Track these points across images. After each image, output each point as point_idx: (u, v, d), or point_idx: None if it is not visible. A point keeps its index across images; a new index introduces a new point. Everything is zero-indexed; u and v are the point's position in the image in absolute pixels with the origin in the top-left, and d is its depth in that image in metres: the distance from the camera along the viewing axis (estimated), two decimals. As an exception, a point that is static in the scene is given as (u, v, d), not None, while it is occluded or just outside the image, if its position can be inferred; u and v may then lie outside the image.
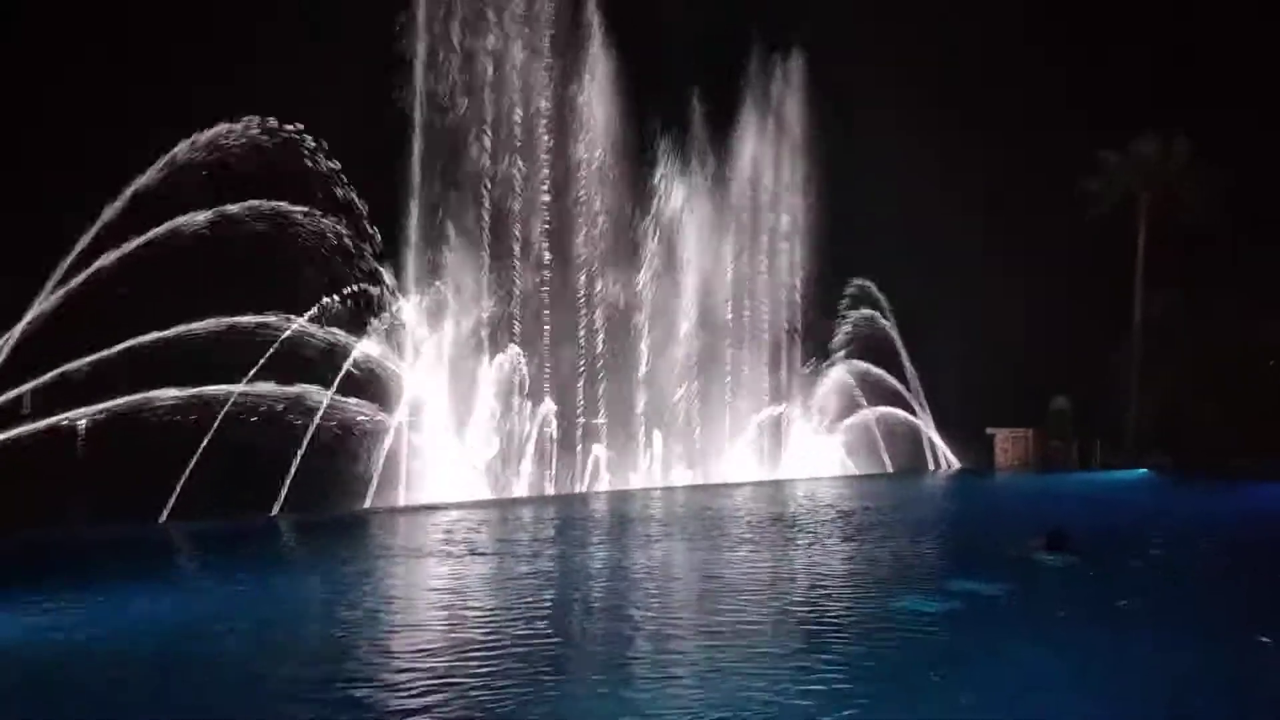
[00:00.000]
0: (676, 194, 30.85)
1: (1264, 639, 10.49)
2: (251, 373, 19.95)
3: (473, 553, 14.38)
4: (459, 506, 20.93)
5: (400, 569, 13.27)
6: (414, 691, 7.14)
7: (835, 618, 9.66)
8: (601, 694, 7.23)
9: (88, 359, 19.51)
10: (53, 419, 19.54)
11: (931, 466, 36.06)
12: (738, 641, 8.59)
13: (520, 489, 24.92)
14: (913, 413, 34.95)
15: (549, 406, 26.11)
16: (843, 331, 35.51)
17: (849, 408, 34.45)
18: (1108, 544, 15.31)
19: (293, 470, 19.43)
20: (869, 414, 34.49)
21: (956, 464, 36.52)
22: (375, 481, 21.07)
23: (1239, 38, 40.14)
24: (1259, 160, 36.39)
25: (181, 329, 19.84)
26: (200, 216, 19.99)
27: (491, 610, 10.26)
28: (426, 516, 19.29)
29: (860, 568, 13.08)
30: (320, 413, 20.41)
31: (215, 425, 19.28)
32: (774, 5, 34.06)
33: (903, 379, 35.16)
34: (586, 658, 8.51)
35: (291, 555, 15.77)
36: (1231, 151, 36.46)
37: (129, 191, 19.64)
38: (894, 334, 35.62)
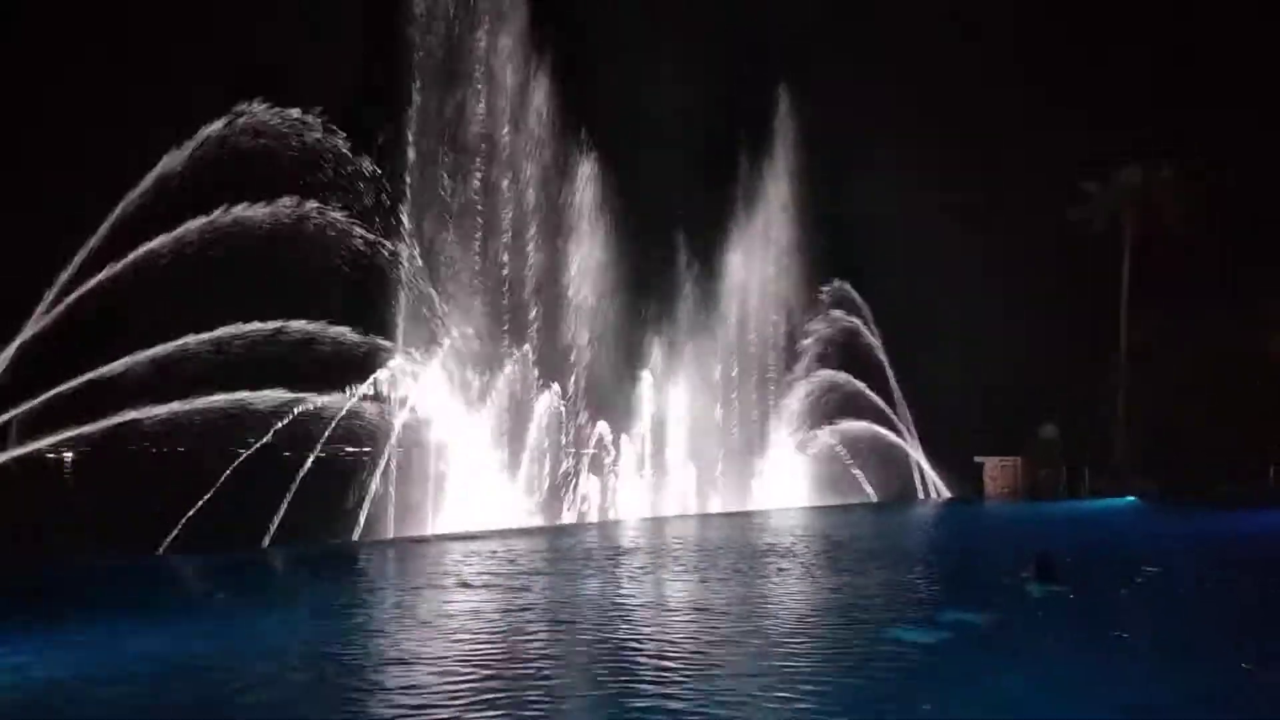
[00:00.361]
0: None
1: (1246, 666, 10.72)
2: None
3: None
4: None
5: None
6: None
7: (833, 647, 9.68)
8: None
9: (116, 363, 19.40)
10: (45, 441, 19.32)
11: (921, 495, 36.06)
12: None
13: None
14: (898, 433, 34.71)
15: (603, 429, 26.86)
16: (815, 337, 34.40)
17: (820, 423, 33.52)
18: (1098, 573, 15.37)
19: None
20: (832, 432, 33.42)
21: (946, 492, 36.55)
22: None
23: (1222, 52, 40.86)
24: (1242, 178, 36.92)
25: (231, 329, 20.01)
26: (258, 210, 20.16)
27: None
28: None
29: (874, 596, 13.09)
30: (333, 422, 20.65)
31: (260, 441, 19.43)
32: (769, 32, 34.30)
33: (887, 398, 34.83)
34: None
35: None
36: (1215, 170, 37.00)
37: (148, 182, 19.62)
38: (874, 340, 34.58)
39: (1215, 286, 37.90)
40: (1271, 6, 39.98)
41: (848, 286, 34.78)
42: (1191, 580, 14.95)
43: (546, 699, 7.98)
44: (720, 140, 34.60)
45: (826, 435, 33.41)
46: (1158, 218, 39.21)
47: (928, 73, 41.27)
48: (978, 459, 37.21)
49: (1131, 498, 33.35)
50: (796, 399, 33.74)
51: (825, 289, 34.40)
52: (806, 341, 34.31)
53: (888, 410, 34.36)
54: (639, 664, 9.02)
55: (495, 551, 17.33)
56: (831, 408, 33.56)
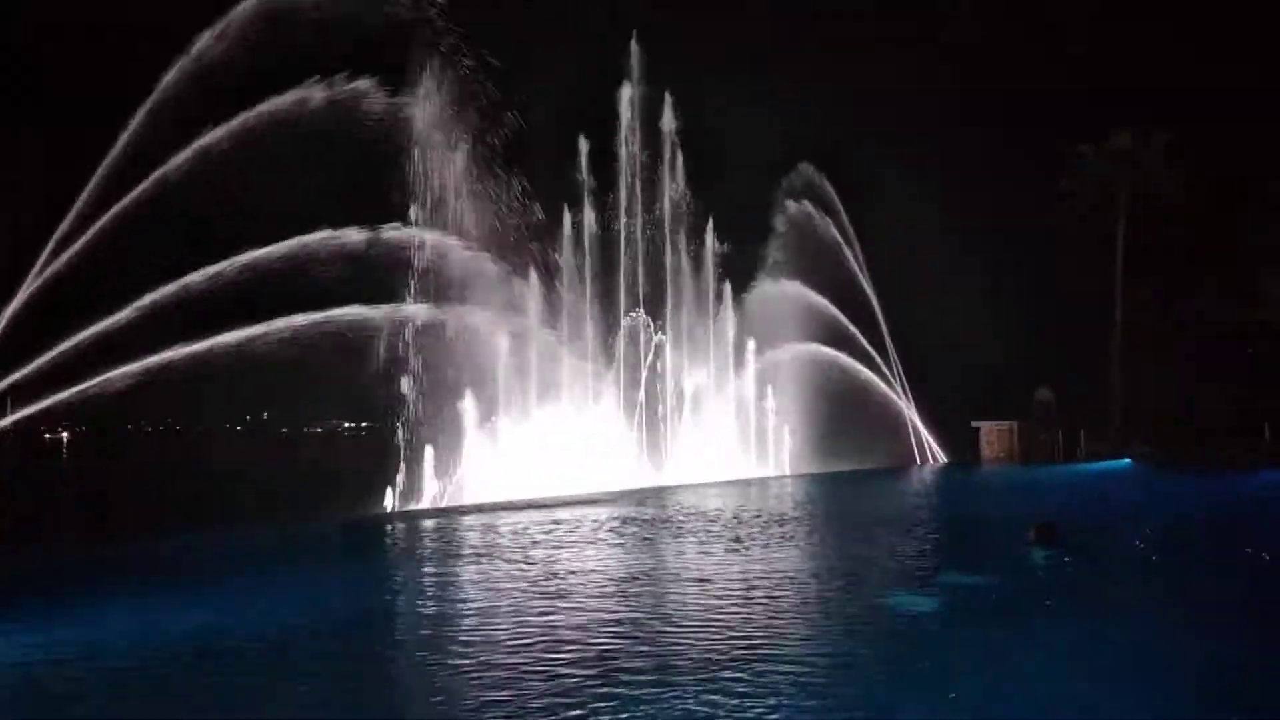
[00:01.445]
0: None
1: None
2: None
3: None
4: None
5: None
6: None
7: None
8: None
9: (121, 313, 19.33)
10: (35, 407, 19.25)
11: (918, 460, 36.22)
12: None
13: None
14: (887, 381, 34.69)
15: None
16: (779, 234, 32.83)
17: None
18: (1099, 537, 15.48)
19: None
20: (792, 351, 32.36)
21: (943, 457, 36.72)
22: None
23: (1214, 29, 40.71)
24: (1236, 148, 36.88)
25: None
26: None
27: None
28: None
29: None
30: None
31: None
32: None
33: (880, 347, 34.49)
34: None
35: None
36: (1209, 140, 36.94)
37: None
38: (851, 256, 33.67)
39: (1209, 252, 37.96)
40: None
41: (811, 170, 33.44)
42: (1192, 545, 15.04)
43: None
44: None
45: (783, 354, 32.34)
46: (1150, 185, 39.16)
47: (923, 38, 41.06)
48: (974, 424, 37.42)
49: (1128, 460, 33.53)
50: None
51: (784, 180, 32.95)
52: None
53: (876, 357, 34.31)
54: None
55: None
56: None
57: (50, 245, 19.42)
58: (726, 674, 7.54)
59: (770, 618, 9.69)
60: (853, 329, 33.44)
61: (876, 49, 35.71)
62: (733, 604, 10.28)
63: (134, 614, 10.41)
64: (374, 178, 23.99)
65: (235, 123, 20.47)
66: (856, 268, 34.40)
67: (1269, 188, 37.27)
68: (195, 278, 20.23)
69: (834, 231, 33.70)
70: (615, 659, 8.06)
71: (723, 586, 11.34)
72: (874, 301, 34.61)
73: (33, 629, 9.57)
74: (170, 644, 9.02)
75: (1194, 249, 37.82)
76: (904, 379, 35.63)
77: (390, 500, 22.44)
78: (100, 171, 19.67)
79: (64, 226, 19.44)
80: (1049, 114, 40.45)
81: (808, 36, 35.37)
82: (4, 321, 18.89)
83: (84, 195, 19.54)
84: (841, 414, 33.55)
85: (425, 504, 22.78)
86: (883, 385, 34.52)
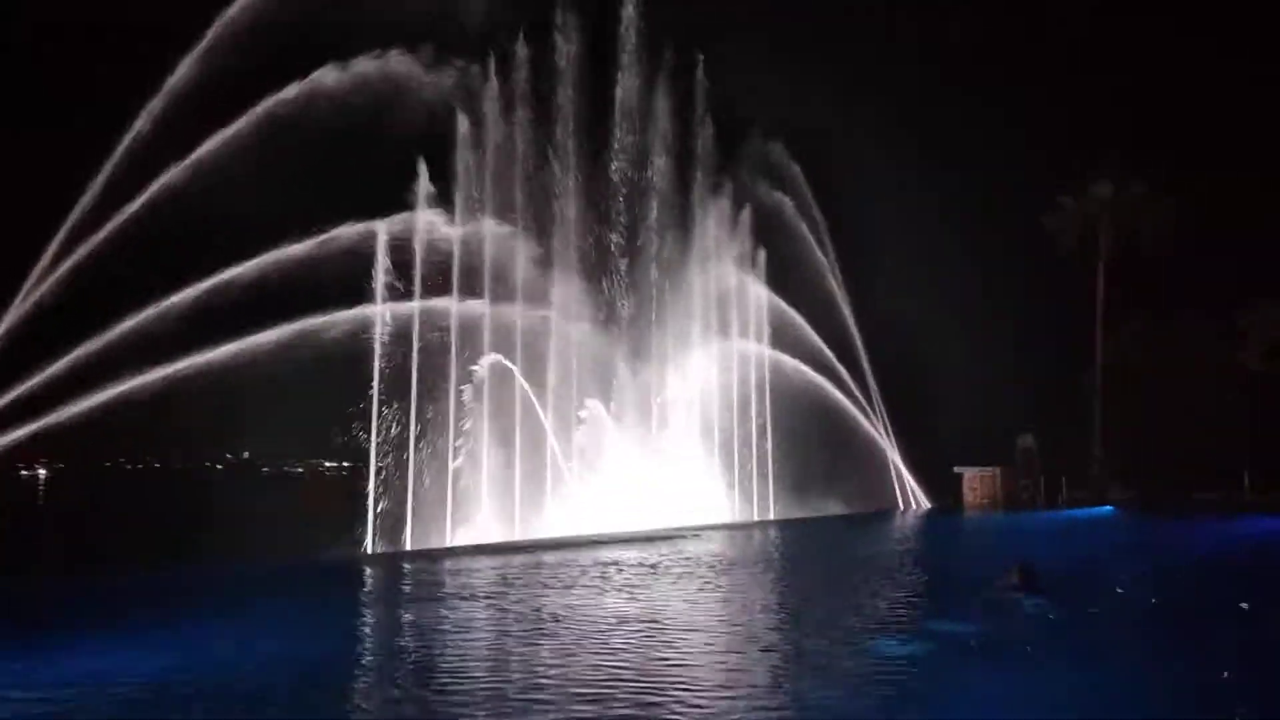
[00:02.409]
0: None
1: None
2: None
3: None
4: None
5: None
6: None
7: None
8: None
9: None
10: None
11: (901, 505, 36.22)
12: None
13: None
14: (863, 412, 34.74)
15: None
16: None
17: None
18: (1079, 584, 15.46)
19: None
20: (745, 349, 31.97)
21: (925, 503, 36.75)
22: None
23: (1191, 79, 41.60)
24: (1213, 193, 37.52)
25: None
26: None
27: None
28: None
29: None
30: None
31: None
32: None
33: (863, 386, 34.68)
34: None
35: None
36: (1186, 185, 37.61)
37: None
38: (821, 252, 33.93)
39: (1189, 299, 38.45)
40: (1240, 35, 40.97)
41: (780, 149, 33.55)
42: (1172, 592, 15.04)
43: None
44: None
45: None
46: (1130, 232, 39.73)
47: (906, 88, 41.78)
48: (957, 469, 37.51)
49: (1109, 507, 33.63)
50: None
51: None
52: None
53: (859, 396, 34.38)
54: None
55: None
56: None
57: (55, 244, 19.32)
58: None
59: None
60: (839, 366, 33.63)
61: (854, 89, 36.19)
62: (715, 652, 10.23)
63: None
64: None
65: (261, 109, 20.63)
66: (844, 308, 34.67)
67: (1244, 231, 37.89)
68: (184, 297, 20.17)
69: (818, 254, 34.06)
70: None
71: (718, 627, 11.28)
72: (857, 341, 34.79)
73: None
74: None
75: (1175, 295, 38.31)
76: (886, 422, 35.73)
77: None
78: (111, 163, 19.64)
79: (75, 217, 19.33)
80: (1030, 159, 41.12)
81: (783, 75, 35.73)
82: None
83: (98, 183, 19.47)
84: (822, 456, 33.58)
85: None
86: (865, 421, 34.59)
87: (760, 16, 35.35)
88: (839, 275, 34.87)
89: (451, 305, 24.51)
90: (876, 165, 35.33)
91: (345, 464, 22.59)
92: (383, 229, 23.14)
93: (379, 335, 22.77)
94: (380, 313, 22.94)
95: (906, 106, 40.58)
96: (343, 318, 22.26)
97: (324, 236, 22.05)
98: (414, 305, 23.63)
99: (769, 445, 33.28)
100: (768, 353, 32.77)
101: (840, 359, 33.86)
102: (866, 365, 35.02)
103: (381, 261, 22.96)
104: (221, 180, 20.39)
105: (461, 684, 8.84)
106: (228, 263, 20.79)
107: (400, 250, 23.46)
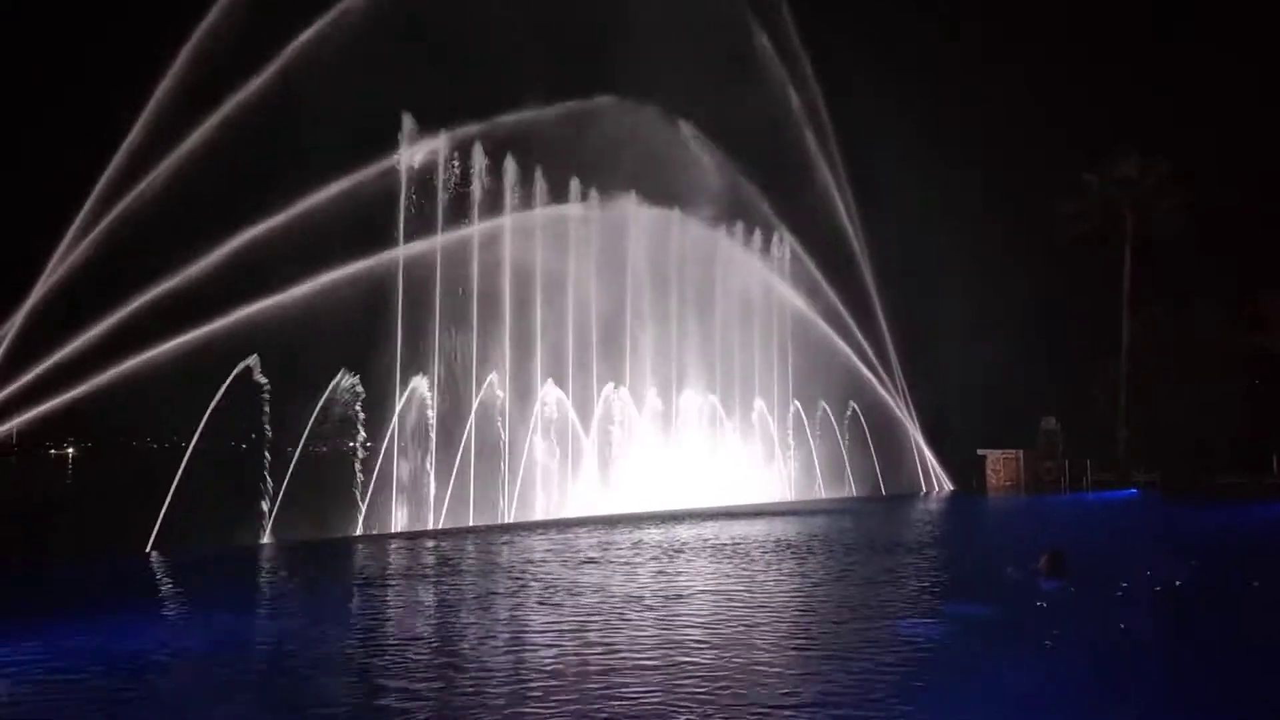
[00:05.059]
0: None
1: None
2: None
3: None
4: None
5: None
6: None
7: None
8: None
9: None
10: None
11: (924, 488, 36.08)
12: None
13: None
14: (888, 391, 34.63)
15: None
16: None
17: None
18: (1107, 568, 15.36)
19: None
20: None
21: (949, 486, 36.59)
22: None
23: (1212, 61, 41.03)
24: (1238, 175, 37.09)
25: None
26: None
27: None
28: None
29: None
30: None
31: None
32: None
33: (886, 365, 34.52)
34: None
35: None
36: (1210, 165, 37.18)
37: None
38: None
39: (1214, 281, 38.01)
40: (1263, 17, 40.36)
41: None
42: (1201, 577, 14.91)
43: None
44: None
45: None
46: (1155, 211, 39.23)
47: (931, 68, 41.36)
48: (980, 452, 37.31)
49: (1134, 490, 33.36)
50: None
51: None
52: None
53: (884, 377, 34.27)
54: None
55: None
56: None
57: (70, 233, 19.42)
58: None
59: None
60: (865, 344, 33.64)
61: (876, 69, 35.80)
62: (750, 627, 10.25)
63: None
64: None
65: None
66: (871, 293, 34.64)
67: (1266, 211, 37.44)
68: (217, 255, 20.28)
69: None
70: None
71: (742, 608, 11.31)
72: (882, 324, 34.68)
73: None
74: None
75: (1197, 273, 37.89)
76: (909, 403, 35.59)
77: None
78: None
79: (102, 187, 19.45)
80: (1053, 140, 40.74)
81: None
82: (15, 326, 18.85)
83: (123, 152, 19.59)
84: (846, 437, 33.55)
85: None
86: (889, 399, 34.55)
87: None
88: (866, 259, 34.76)
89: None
90: (902, 149, 35.02)
91: (368, 443, 22.54)
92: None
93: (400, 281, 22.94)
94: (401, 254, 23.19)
95: (932, 91, 40.17)
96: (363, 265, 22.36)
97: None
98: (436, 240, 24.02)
99: (789, 425, 33.30)
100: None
101: (864, 340, 33.87)
102: (890, 346, 34.88)
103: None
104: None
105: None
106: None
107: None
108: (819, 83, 34.40)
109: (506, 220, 26.04)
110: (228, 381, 19.52)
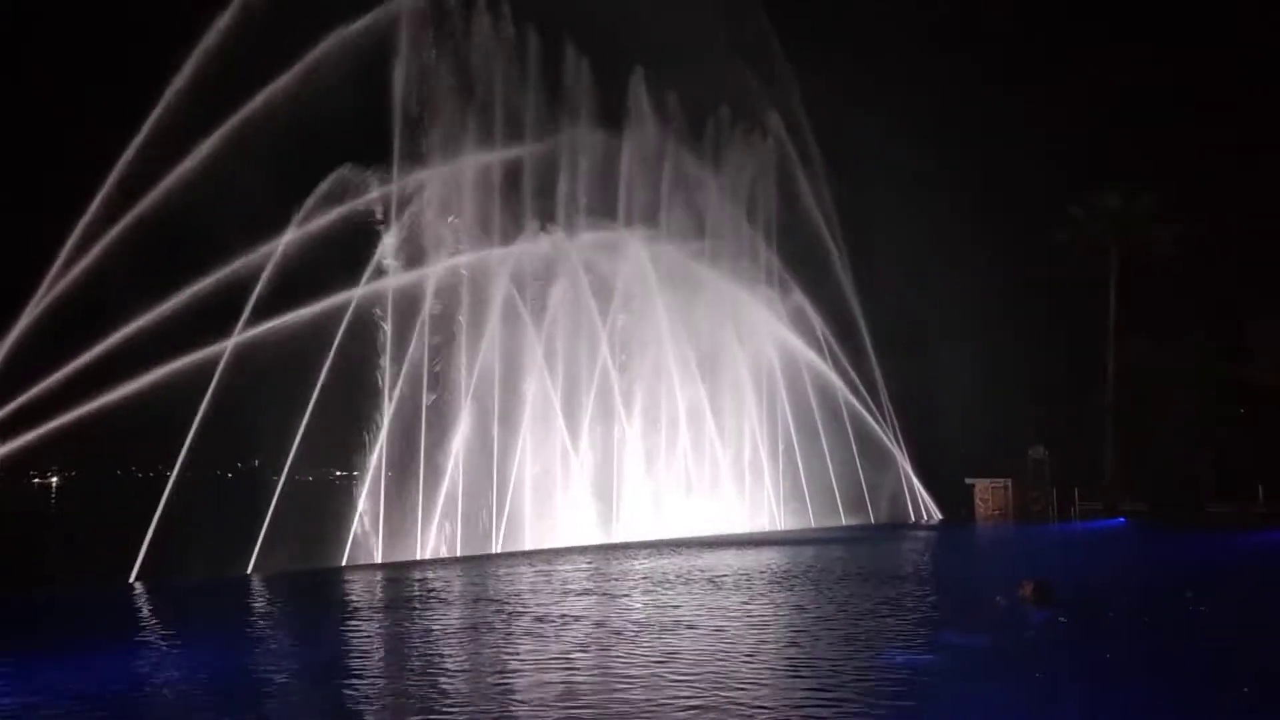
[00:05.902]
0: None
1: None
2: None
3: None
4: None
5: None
6: None
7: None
8: None
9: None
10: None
11: (912, 517, 36.02)
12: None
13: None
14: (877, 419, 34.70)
15: None
16: None
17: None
18: (1096, 597, 15.34)
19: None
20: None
21: (938, 514, 36.55)
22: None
23: (1207, 84, 41.63)
24: (1224, 206, 37.49)
25: None
26: None
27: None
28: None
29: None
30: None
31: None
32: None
33: (875, 396, 34.61)
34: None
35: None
36: (1195, 196, 37.58)
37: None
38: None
39: (1200, 311, 38.32)
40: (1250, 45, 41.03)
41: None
42: (1188, 606, 14.90)
43: None
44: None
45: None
46: (1141, 243, 39.59)
47: (915, 101, 41.81)
48: (969, 480, 37.31)
49: (1122, 519, 33.37)
50: None
51: None
52: None
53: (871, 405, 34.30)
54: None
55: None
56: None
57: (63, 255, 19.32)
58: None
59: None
60: (851, 373, 33.71)
61: (862, 96, 36.20)
62: (741, 658, 10.17)
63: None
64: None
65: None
66: (859, 321, 34.82)
67: (1252, 243, 37.82)
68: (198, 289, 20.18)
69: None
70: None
71: (736, 635, 11.25)
72: (870, 352, 34.80)
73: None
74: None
75: (1186, 306, 38.17)
76: (898, 431, 35.62)
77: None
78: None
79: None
80: (1039, 170, 41.13)
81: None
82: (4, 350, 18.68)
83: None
84: (833, 465, 33.52)
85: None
86: (876, 428, 34.58)
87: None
88: (852, 287, 35.00)
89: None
90: (888, 176, 35.36)
91: (354, 472, 22.40)
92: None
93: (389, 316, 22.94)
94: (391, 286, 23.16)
95: (917, 119, 40.57)
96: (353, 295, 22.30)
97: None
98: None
99: (779, 454, 33.26)
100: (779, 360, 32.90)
101: (851, 368, 33.97)
102: (878, 375, 34.98)
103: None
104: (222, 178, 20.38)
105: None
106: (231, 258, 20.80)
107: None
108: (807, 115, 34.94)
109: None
110: (204, 410, 19.39)
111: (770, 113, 34.92)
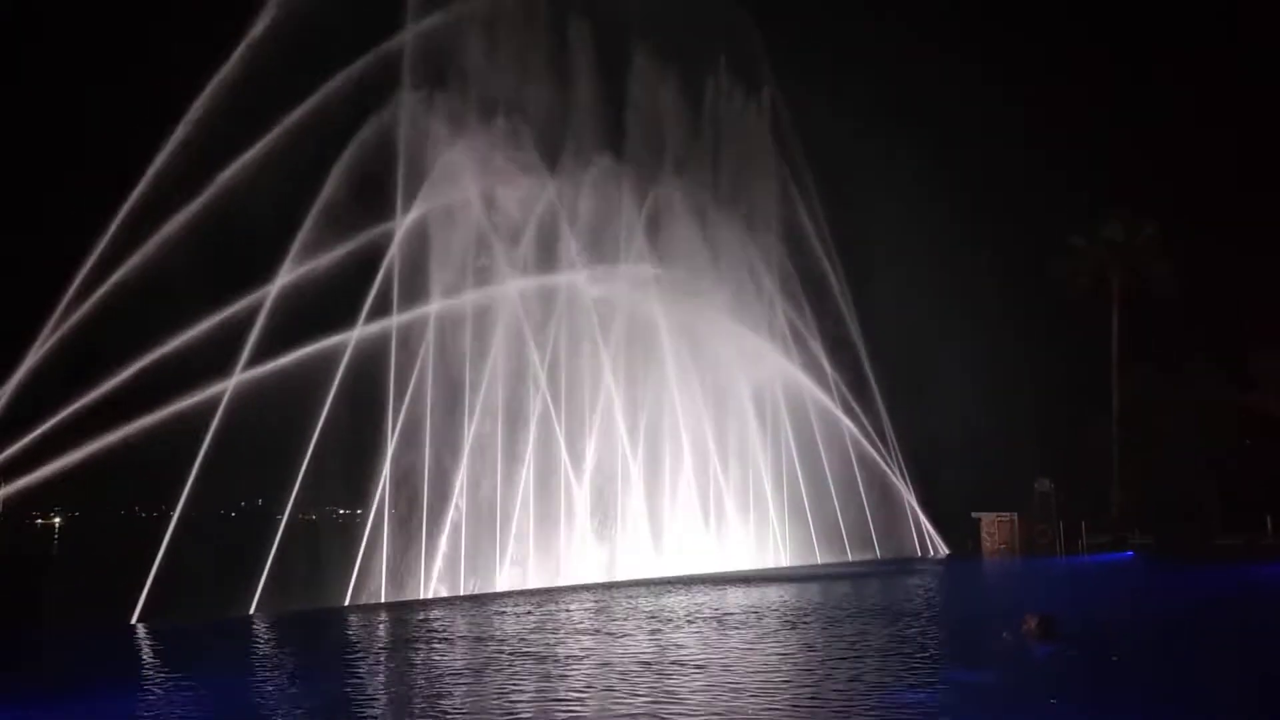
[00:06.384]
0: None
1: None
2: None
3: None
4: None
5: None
6: None
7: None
8: None
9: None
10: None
11: (919, 552, 35.76)
12: None
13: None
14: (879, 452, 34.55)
15: None
16: None
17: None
18: (1101, 631, 15.21)
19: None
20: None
21: (944, 549, 36.29)
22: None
23: (1207, 116, 41.94)
24: (1225, 237, 37.63)
25: None
26: None
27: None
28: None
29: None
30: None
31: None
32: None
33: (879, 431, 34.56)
34: None
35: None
36: (1201, 230, 37.71)
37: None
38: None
39: (1204, 342, 38.31)
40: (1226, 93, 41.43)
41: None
42: (1197, 640, 14.77)
43: None
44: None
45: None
46: (1142, 274, 39.68)
47: (919, 130, 42.12)
48: (975, 515, 37.04)
49: (1130, 553, 33.12)
50: None
51: None
52: None
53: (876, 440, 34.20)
54: None
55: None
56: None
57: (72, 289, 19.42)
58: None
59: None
60: (856, 409, 33.66)
61: (866, 124, 36.48)
62: (748, 695, 10.08)
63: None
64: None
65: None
66: (861, 354, 34.86)
67: (1254, 272, 37.92)
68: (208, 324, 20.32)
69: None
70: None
71: (740, 676, 11.14)
72: (874, 388, 34.75)
73: None
74: None
75: (1186, 335, 38.20)
76: (903, 466, 35.48)
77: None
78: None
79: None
80: (1045, 201, 41.38)
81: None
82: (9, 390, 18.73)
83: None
84: (840, 501, 33.34)
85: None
86: (882, 463, 34.45)
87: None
88: (855, 320, 35.06)
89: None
90: (890, 207, 35.51)
91: (358, 510, 22.35)
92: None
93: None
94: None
95: (919, 149, 40.84)
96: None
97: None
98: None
99: (784, 489, 33.12)
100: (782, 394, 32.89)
101: (856, 404, 33.96)
102: (883, 410, 34.91)
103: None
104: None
105: None
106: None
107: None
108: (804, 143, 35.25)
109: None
110: (205, 449, 19.41)
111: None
